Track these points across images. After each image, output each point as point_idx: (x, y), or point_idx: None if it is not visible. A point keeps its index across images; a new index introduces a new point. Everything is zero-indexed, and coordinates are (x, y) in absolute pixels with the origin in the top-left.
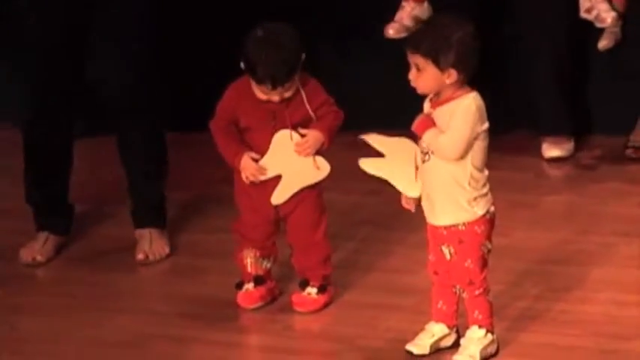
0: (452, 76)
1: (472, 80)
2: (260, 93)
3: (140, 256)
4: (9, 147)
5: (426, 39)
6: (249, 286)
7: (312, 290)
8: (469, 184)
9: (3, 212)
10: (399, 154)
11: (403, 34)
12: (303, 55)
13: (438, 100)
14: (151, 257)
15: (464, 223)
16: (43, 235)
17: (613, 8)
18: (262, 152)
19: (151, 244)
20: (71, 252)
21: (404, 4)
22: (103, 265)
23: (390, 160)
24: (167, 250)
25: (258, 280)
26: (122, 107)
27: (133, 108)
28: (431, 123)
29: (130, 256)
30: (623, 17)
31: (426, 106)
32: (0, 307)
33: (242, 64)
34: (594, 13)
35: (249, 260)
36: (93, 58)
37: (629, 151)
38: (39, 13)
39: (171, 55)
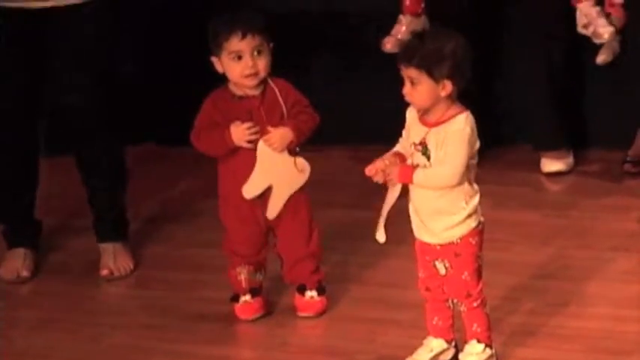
0: (447, 87)
1: (471, 94)
2: (230, 64)
3: (104, 272)
4: None
5: (418, 51)
6: (247, 297)
7: (312, 293)
8: (466, 202)
9: None
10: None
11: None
12: (272, 44)
13: (430, 121)
14: (115, 273)
15: (459, 237)
16: (20, 251)
17: (611, 23)
18: (243, 157)
19: (115, 259)
20: (47, 266)
21: (401, 18)
22: (86, 280)
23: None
24: (131, 265)
25: (255, 292)
26: (82, 127)
27: (92, 128)
28: (409, 167)
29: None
30: (622, 31)
31: (410, 112)
32: None
33: (211, 47)
34: (591, 28)
35: (244, 276)
36: (52, 83)
37: (627, 166)
38: None
39: (151, 69)
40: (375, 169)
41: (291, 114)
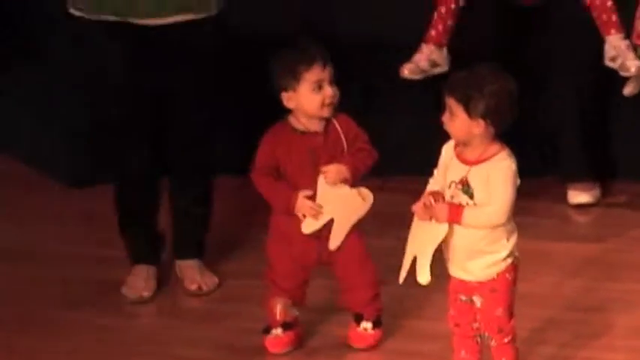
0: (480, 126)
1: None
2: (310, 96)
3: (194, 287)
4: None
5: (461, 85)
6: (278, 331)
7: (367, 325)
8: (507, 239)
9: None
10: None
11: (418, 76)
12: None
13: (470, 159)
14: (204, 288)
15: (497, 273)
16: (143, 269)
17: (638, 56)
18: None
19: (202, 274)
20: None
21: (423, 46)
22: (116, 310)
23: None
24: (216, 280)
25: (287, 326)
26: (187, 144)
27: (196, 146)
28: (459, 207)
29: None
30: None
31: (446, 150)
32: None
33: (281, 82)
34: (619, 61)
35: (279, 308)
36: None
37: None
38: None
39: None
40: (421, 206)
41: (351, 150)
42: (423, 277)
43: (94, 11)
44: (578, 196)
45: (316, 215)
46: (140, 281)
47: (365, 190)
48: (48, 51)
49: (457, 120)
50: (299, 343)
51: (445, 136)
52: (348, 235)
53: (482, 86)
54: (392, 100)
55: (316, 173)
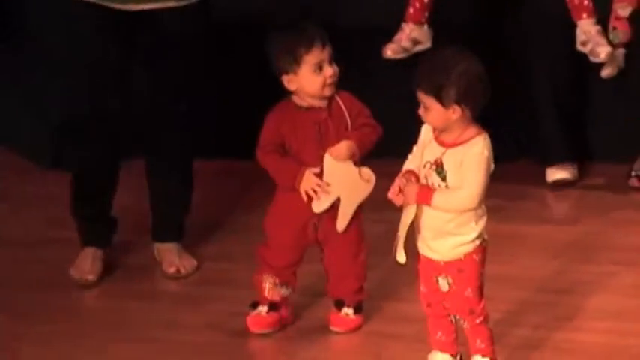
0: (456, 112)
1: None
2: (311, 77)
3: (172, 269)
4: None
5: (427, 75)
6: (263, 309)
7: (349, 311)
8: (476, 222)
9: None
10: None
11: (401, 55)
12: None
13: (447, 141)
14: (182, 270)
15: (464, 254)
16: (90, 251)
17: (615, 36)
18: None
19: (180, 257)
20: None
21: (403, 25)
22: (105, 291)
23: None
24: (195, 263)
25: (273, 306)
26: (163, 130)
27: (174, 131)
28: (429, 189)
29: (121, 281)
30: (628, 45)
31: (426, 131)
32: (3, 334)
33: (281, 65)
34: (589, 46)
35: (268, 285)
36: (140, 89)
37: (632, 181)
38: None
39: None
40: (395, 192)
41: (355, 125)
42: (399, 256)
43: None
44: (556, 173)
45: (322, 191)
46: (87, 264)
47: (368, 172)
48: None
49: (432, 112)
50: (281, 327)
51: None
52: (353, 224)
53: (449, 71)
54: (384, 82)
55: (321, 148)
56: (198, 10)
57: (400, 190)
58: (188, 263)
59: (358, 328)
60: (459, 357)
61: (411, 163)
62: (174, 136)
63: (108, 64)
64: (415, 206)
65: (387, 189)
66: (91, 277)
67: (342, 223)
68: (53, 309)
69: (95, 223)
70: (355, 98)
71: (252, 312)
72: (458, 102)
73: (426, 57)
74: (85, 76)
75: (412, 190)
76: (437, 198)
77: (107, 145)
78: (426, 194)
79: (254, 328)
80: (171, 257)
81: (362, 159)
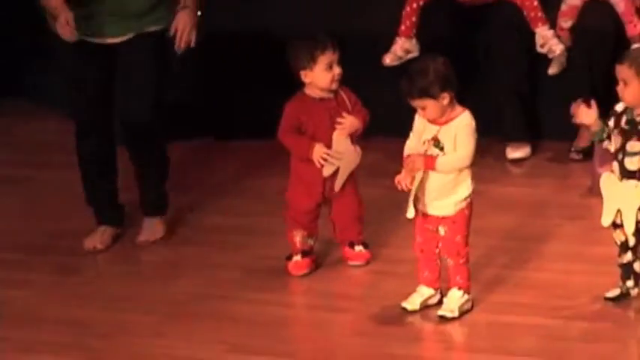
0: (446, 98)
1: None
2: (324, 76)
3: (141, 238)
4: None
5: (413, 86)
6: (298, 257)
7: (360, 247)
8: (469, 182)
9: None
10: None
11: (396, 62)
12: None
13: (440, 121)
14: (149, 239)
15: (459, 209)
16: (101, 228)
17: (561, 41)
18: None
19: (150, 229)
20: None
21: (397, 39)
22: (160, 243)
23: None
24: (161, 233)
25: (305, 253)
26: (140, 129)
27: (149, 129)
28: (432, 157)
29: (182, 237)
30: (569, 50)
31: (418, 121)
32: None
33: (300, 63)
34: (547, 47)
35: (299, 238)
36: (122, 93)
37: (572, 154)
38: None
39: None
40: (402, 176)
41: (354, 111)
42: (409, 213)
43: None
44: (514, 152)
45: (329, 160)
46: (97, 236)
47: (358, 148)
48: None
49: (430, 109)
50: (315, 267)
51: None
52: (347, 180)
53: (426, 71)
54: (377, 76)
55: (332, 129)
56: (155, 39)
57: (407, 170)
58: (155, 234)
59: (370, 259)
60: (439, 291)
61: (409, 149)
62: (146, 138)
63: (92, 81)
64: (422, 173)
65: (380, 161)
66: (99, 246)
67: (338, 184)
68: (128, 251)
69: (102, 206)
70: (352, 92)
71: (289, 262)
72: (443, 90)
73: (404, 76)
74: (78, 89)
75: (419, 159)
76: (440, 162)
77: (102, 141)
78: (430, 161)
79: (295, 272)
80: (144, 228)
81: (356, 137)
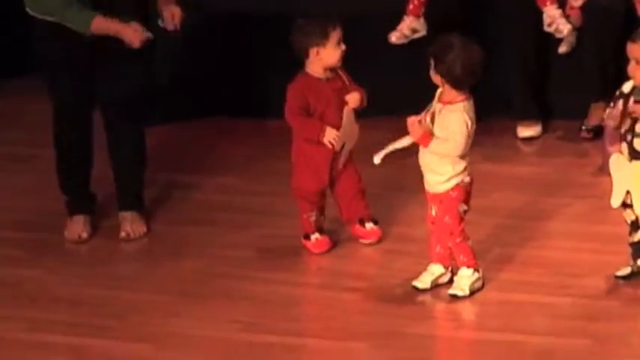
0: (437, 79)
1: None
2: (335, 52)
3: (122, 234)
4: None
5: (439, 64)
6: (317, 235)
7: (371, 225)
8: (452, 167)
9: None
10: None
11: (402, 41)
12: None
13: (444, 100)
14: (132, 235)
15: (444, 190)
16: (80, 218)
17: (569, 22)
18: (332, 126)
19: (132, 224)
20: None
21: (405, 17)
22: (168, 220)
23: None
24: (144, 229)
25: (321, 230)
26: (119, 119)
27: (128, 120)
28: (429, 134)
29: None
30: (579, 29)
31: (434, 103)
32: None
33: (312, 40)
34: (554, 26)
35: (313, 218)
36: (102, 82)
37: (583, 133)
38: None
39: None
40: (415, 122)
41: (352, 88)
42: (376, 158)
43: (41, 15)
44: (525, 131)
45: (337, 141)
46: (80, 225)
47: (358, 125)
48: None
49: (434, 76)
50: (333, 244)
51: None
52: (348, 160)
53: (445, 55)
54: (384, 55)
55: (340, 110)
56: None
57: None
58: (138, 229)
59: (382, 236)
60: (449, 269)
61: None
62: (126, 123)
63: (74, 61)
64: (411, 139)
65: (387, 140)
66: (84, 234)
67: (342, 161)
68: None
69: (78, 195)
70: (346, 72)
71: (308, 241)
72: (440, 74)
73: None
74: (59, 70)
75: (418, 130)
76: (434, 143)
77: (80, 130)
78: (426, 138)
79: (317, 250)
80: (125, 224)
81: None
